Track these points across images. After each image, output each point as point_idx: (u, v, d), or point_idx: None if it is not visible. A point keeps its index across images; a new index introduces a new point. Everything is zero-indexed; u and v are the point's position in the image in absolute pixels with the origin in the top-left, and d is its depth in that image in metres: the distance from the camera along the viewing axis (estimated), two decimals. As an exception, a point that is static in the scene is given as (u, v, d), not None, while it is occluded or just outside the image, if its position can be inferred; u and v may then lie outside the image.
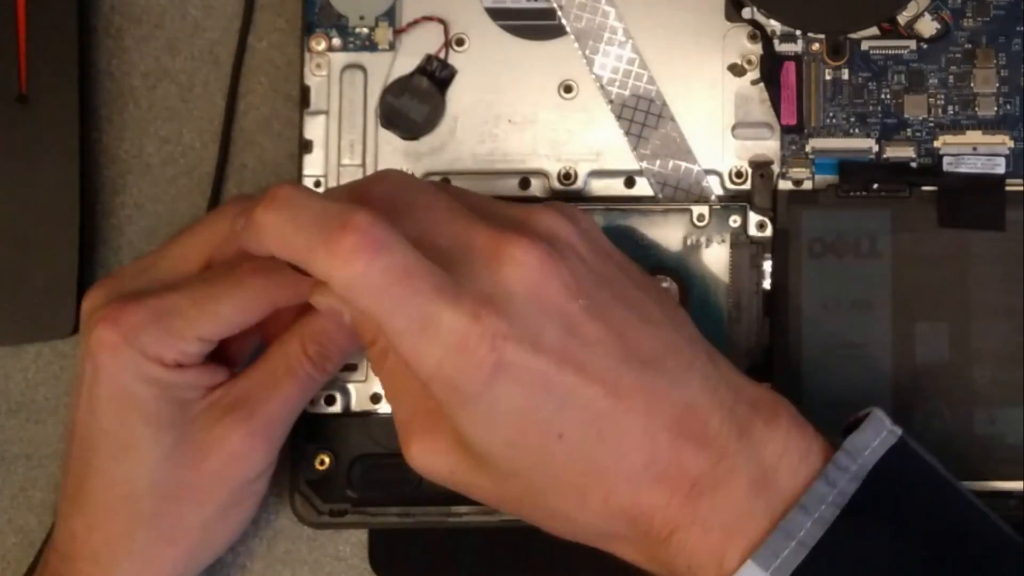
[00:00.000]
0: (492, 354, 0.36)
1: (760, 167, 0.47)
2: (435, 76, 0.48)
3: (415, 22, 0.48)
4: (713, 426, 0.38)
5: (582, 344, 0.37)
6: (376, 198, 0.39)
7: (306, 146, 0.48)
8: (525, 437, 0.37)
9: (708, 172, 0.48)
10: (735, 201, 0.47)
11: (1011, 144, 0.47)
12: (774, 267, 0.47)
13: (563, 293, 0.37)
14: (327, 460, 0.47)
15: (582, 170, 0.48)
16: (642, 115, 0.48)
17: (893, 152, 0.47)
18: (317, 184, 0.48)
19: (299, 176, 0.48)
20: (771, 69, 0.47)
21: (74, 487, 0.43)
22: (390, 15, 0.48)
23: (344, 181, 0.48)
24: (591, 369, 0.37)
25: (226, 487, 0.44)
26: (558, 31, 0.48)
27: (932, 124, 0.47)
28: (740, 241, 0.47)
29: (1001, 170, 0.47)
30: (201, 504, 0.44)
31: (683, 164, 0.48)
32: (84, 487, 0.43)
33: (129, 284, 0.44)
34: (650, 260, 0.47)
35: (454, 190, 0.43)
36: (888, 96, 0.48)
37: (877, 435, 0.39)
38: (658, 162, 0.48)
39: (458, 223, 0.39)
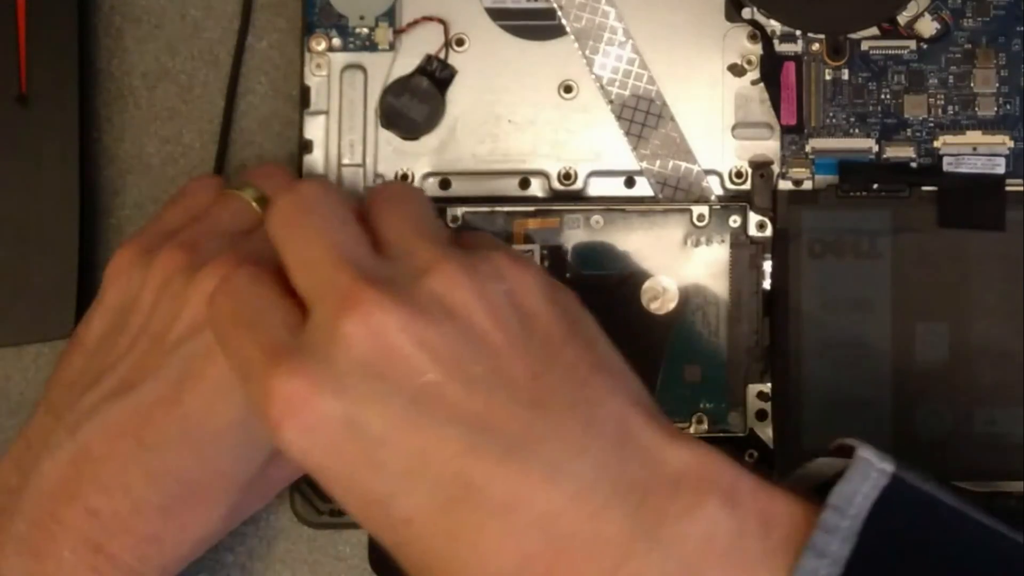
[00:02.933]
0: (300, 413, 0.33)
1: (760, 167, 0.47)
2: (435, 76, 0.48)
3: (415, 22, 0.48)
4: (606, 526, 0.32)
5: (426, 414, 0.32)
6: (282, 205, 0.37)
7: (306, 146, 0.48)
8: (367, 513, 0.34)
9: (708, 172, 0.48)
10: (735, 201, 0.47)
11: (1011, 144, 0.47)
12: (774, 267, 0.47)
13: (405, 362, 0.33)
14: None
15: (582, 170, 0.48)
16: (642, 115, 0.48)
17: (893, 152, 0.47)
18: (317, 184, 0.48)
19: (299, 176, 0.48)
20: (771, 69, 0.47)
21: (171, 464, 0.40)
22: (390, 15, 0.48)
23: (345, 181, 0.48)
24: (431, 454, 0.32)
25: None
26: (558, 31, 0.48)
27: (932, 124, 0.47)
28: (740, 241, 0.47)
29: (1001, 170, 0.47)
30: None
31: (683, 164, 0.48)
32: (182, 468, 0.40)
33: (207, 242, 0.42)
34: (650, 260, 0.47)
35: (389, 210, 0.38)
36: (888, 96, 0.48)
37: (865, 478, 0.33)
38: (658, 162, 0.48)
39: (334, 263, 0.34)
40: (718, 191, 0.47)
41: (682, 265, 0.47)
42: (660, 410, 0.35)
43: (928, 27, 0.48)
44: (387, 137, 0.48)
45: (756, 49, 0.48)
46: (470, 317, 0.34)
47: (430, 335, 0.33)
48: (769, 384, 0.46)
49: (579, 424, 0.33)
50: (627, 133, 0.48)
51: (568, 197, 0.48)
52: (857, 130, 0.47)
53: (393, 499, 0.33)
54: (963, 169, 0.47)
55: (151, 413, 0.39)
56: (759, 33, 0.48)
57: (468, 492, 0.32)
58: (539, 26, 0.48)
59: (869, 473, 0.33)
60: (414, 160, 0.48)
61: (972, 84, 0.47)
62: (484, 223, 0.47)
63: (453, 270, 0.34)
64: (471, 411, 0.32)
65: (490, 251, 0.36)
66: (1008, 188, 0.47)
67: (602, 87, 0.48)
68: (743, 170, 0.47)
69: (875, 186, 0.47)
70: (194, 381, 0.39)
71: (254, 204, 0.44)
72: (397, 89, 0.48)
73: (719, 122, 0.48)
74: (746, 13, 0.48)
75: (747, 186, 0.47)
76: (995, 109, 0.47)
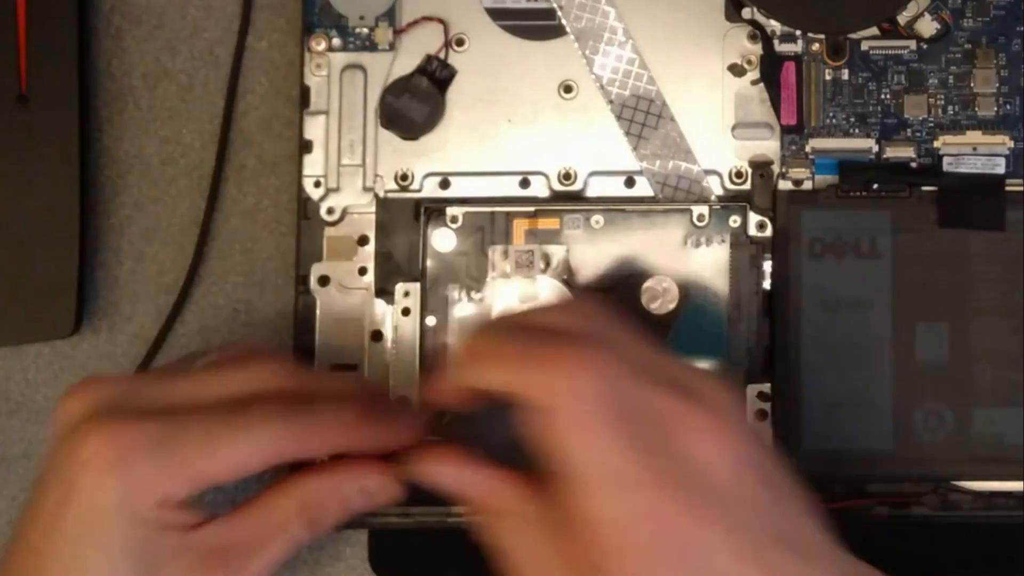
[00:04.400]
0: (681, 532, 0.34)
1: (760, 167, 0.47)
2: (435, 76, 0.48)
3: (415, 22, 0.48)
4: None
5: (771, 537, 0.35)
6: (593, 334, 0.36)
7: (306, 146, 0.48)
8: None
9: (708, 172, 0.48)
10: (735, 201, 0.47)
11: (1011, 144, 0.47)
12: (774, 267, 0.47)
13: (759, 478, 0.35)
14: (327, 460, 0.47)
15: (582, 170, 0.48)
16: (642, 115, 0.48)
17: (893, 152, 0.47)
18: (317, 184, 0.48)
19: (299, 176, 0.48)
20: (771, 69, 0.47)
21: None
22: (390, 15, 0.48)
23: (344, 181, 0.48)
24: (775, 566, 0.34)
25: None
26: (558, 31, 0.48)
27: (932, 124, 0.47)
28: (740, 241, 0.47)
29: (1001, 170, 0.47)
30: None
31: (683, 164, 0.48)
32: None
33: (127, 397, 0.40)
34: (650, 260, 0.47)
35: (622, 336, 0.38)
36: (888, 96, 0.48)
37: None
38: (658, 162, 0.48)
39: (656, 384, 0.35)
40: (718, 191, 0.47)
41: (682, 265, 0.47)
42: None
43: (928, 27, 0.48)
44: (387, 137, 0.48)
45: (756, 49, 0.48)
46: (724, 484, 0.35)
47: (757, 451, 0.36)
48: (769, 384, 0.46)
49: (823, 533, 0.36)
50: (627, 133, 0.48)
51: (568, 197, 0.48)
52: (857, 130, 0.47)
53: None
54: (963, 169, 0.47)
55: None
56: (759, 33, 0.48)
57: None
58: (539, 26, 0.48)
59: None
60: (414, 160, 0.48)
61: (972, 84, 0.47)
62: (484, 223, 0.47)
63: (716, 385, 0.36)
64: (787, 522, 0.35)
65: (705, 376, 0.38)
66: (1008, 188, 0.47)
67: (602, 87, 0.48)
68: (743, 170, 0.47)
69: (875, 186, 0.47)
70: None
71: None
72: (397, 89, 0.48)
73: (719, 122, 0.48)
74: (746, 13, 0.48)
75: (747, 186, 0.47)
76: (995, 109, 0.47)
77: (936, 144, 0.47)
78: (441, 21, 0.48)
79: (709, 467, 0.34)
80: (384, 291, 0.47)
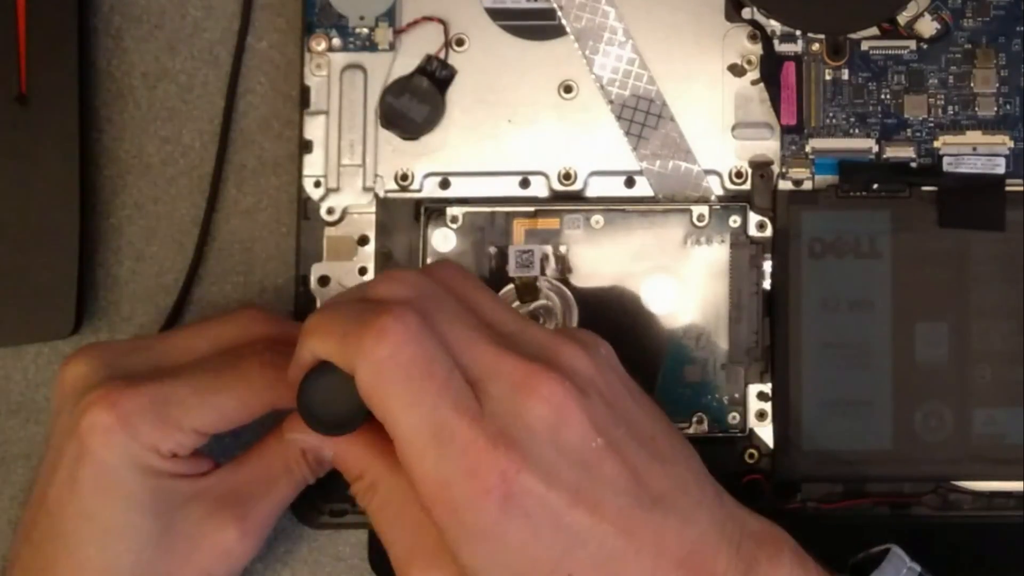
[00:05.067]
0: (503, 485, 0.35)
1: (760, 167, 0.47)
2: (435, 76, 0.48)
3: (415, 22, 0.48)
4: (720, 564, 0.37)
5: (596, 482, 0.36)
6: (408, 300, 0.38)
7: (306, 146, 0.48)
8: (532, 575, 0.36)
9: (708, 172, 0.48)
10: (735, 201, 0.47)
11: (1011, 144, 0.47)
12: (774, 267, 0.47)
13: (582, 433, 0.36)
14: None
15: (582, 170, 0.48)
16: (642, 115, 0.48)
17: (893, 152, 0.47)
18: (317, 184, 0.48)
19: (299, 176, 0.48)
20: (771, 69, 0.47)
21: (41, 564, 0.41)
22: (390, 15, 0.48)
23: (344, 181, 0.48)
24: (605, 508, 0.36)
25: None
26: (558, 31, 0.48)
27: (932, 124, 0.47)
28: (740, 241, 0.47)
29: (1001, 170, 0.47)
30: None
31: (683, 164, 0.48)
32: (55, 567, 0.41)
33: (123, 361, 0.42)
34: (650, 260, 0.47)
35: (478, 297, 0.40)
36: (888, 96, 0.48)
37: (898, 571, 0.39)
38: (658, 162, 0.48)
39: (486, 344, 0.37)
40: (718, 191, 0.47)
41: (682, 265, 0.47)
42: None
43: (928, 27, 0.48)
44: (387, 137, 0.48)
45: (756, 49, 0.48)
46: (599, 387, 0.38)
47: (585, 408, 0.37)
48: (769, 384, 0.46)
49: (694, 479, 0.39)
50: (627, 133, 0.48)
51: (568, 197, 0.48)
52: (857, 130, 0.47)
53: (565, 554, 0.36)
54: (963, 169, 0.47)
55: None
56: (759, 33, 0.48)
57: (629, 542, 0.36)
58: (539, 26, 0.48)
59: (901, 568, 0.39)
60: (414, 160, 0.48)
61: (972, 84, 0.47)
62: (484, 223, 0.47)
63: (575, 347, 0.38)
64: (626, 470, 0.37)
65: (570, 335, 0.39)
66: (1008, 188, 0.47)
67: (602, 87, 0.48)
68: (743, 170, 0.47)
69: (875, 186, 0.47)
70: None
71: None
72: (397, 89, 0.48)
73: (719, 122, 0.48)
74: (746, 13, 0.48)
75: (747, 186, 0.47)
76: (995, 109, 0.47)
77: (936, 144, 0.47)
78: (441, 21, 0.48)
79: (539, 422, 0.36)
80: (384, 291, 0.47)
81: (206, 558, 0.42)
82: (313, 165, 0.48)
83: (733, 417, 0.47)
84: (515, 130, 0.48)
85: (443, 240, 0.47)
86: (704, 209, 0.47)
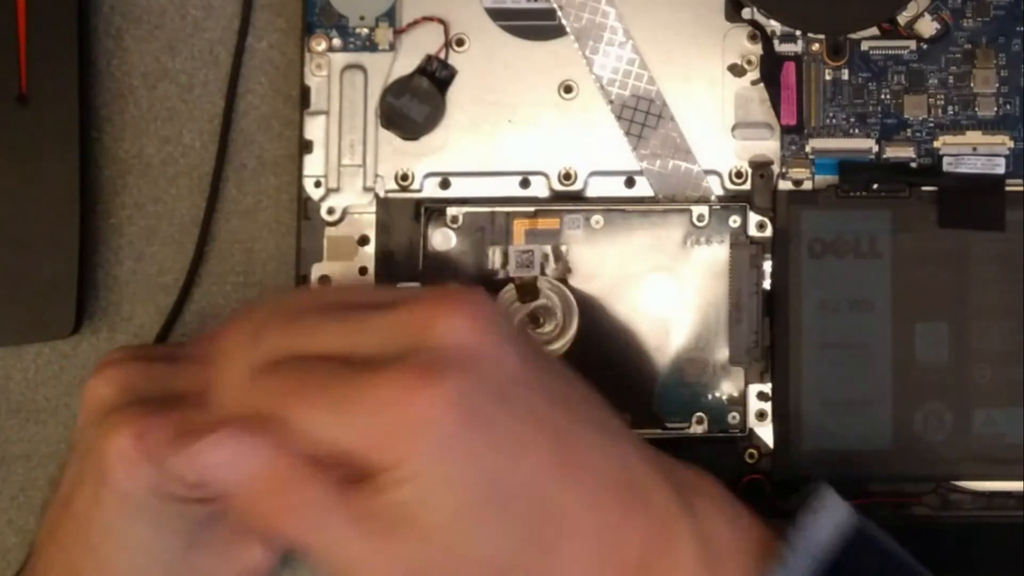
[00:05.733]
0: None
1: (760, 167, 0.47)
2: (435, 76, 0.48)
3: (415, 22, 0.48)
4: (657, 497, 0.37)
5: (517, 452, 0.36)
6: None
7: (306, 146, 0.48)
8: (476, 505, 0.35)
9: (708, 172, 0.48)
10: (735, 201, 0.47)
11: (1011, 144, 0.47)
12: (774, 267, 0.47)
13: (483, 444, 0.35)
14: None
15: (582, 170, 0.48)
16: (642, 115, 0.48)
17: (893, 152, 0.47)
18: (317, 184, 0.48)
19: (299, 176, 0.48)
20: (771, 69, 0.47)
21: (68, 566, 0.41)
22: (390, 15, 0.48)
23: (344, 181, 0.48)
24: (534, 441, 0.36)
25: None
26: (558, 31, 0.48)
27: (932, 124, 0.47)
28: (740, 241, 0.47)
29: (1001, 170, 0.47)
30: None
31: (683, 164, 0.48)
32: (83, 572, 0.41)
33: (148, 385, 0.42)
34: (650, 260, 0.47)
35: (304, 337, 0.38)
36: (888, 96, 0.48)
37: (831, 521, 0.38)
38: (658, 162, 0.48)
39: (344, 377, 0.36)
40: (718, 191, 0.47)
41: (682, 265, 0.47)
42: None
43: (928, 27, 0.48)
44: (387, 137, 0.48)
45: (756, 49, 0.48)
46: (485, 367, 0.36)
47: (481, 416, 0.35)
48: (769, 384, 0.46)
49: (619, 428, 0.38)
50: (627, 133, 0.48)
51: (568, 197, 0.48)
52: (857, 130, 0.47)
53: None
54: (963, 169, 0.47)
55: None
56: (759, 33, 0.48)
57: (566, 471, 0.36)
58: (539, 26, 0.48)
59: (837, 516, 0.39)
60: (414, 160, 0.48)
61: (972, 84, 0.47)
62: (484, 223, 0.47)
63: (440, 325, 0.36)
64: (549, 438, 0.36)
65: (442, 299, 0.37)
66: (1008, 188, 0.47)
67: (602, 87, 0.48)
68: (743, 170, 0.47)
69: (875, 186, 0.47)
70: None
71: None
72: (397, 89, 0.48)
73: (719, 122, 0.48)
74: (746, 13, 0.48)
75: (747, 186, 0.47)
76: (995, 109, 0.47)
77: (936, 144, 0.47)
78: (441, 21, 0.48)
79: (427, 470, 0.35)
80: (384, 291, 0.47)
81: (233, 574, 0.42)
82: (313, 165, 0.48)
83: (733, 417, 0.47)
84: (515, 130, 0.48)
85: (443, 240, 0.47)
86: (704, 209, 0.47)
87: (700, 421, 0.47)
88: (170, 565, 0.41)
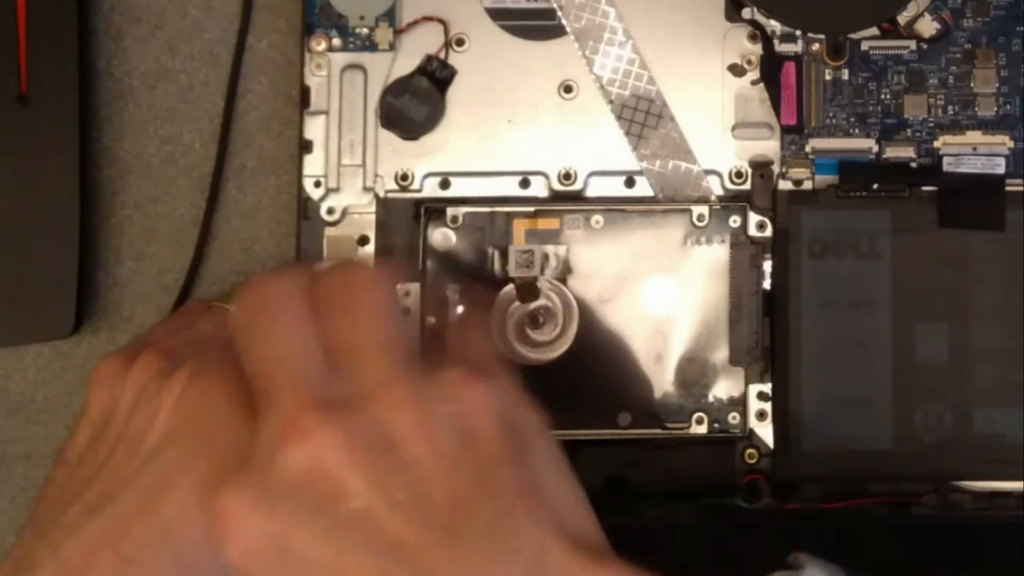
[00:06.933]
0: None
1: (760, 167, 0.47)
2: (435, 76, 0.48)
3: (415, 22, 0.48)
4: None
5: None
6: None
7: (306, 146, 0.48)
8: None
9: (708, 172, 0.48)
10: (735, 201, 0.47)
11: (1011, 144, 0.47)
12: (774, 267, 0.47)
13: (341, 489, 0.34)
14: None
15: (582, 170, 0.48)
16: (642, 115, 0.48)
17: (893, 152, 0.47)
18: (317, 184, 0.48)
19: (299, 176, 0.48)
20: (771, 69, 0.47)
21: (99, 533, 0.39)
22: (390, 15, 0.48)
23: (344, 181, 0.48)
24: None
25: None
26: (558, 31, 0.48)
27: (932, 124, 0.47)
28: (740, 241, 0.47)
29: (1001, 170, 0.47)
30: None
31: (683, 164, 0.48)
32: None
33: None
34: (650, 260, 0.47)
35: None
36: (888, 96, 0.48)
37: None
38: (658, 162, 0.48)
39: (277, 376, 0.36)
40: (718, 191, 0.47)
41: (682, 265, 0.47)
42: (600, 536, 0.37)
43: (928, 27, 0.48)
44: (387, 137, 0.48)
45: (756, 49, 0.48)
46: (405, 444, 0.35)
47: (361, 461, 0.34)
48: (769, 384, 0.46)
49: (492, 554, 0.34)
50: (627, 133, 0.48)
51: (568, 197, 0.48)
52: (857, 130, 0.47)
53: None
54: (963, 169, 0.47)
55: (128, 524, 0.38)
56: (759, 33, 0.48)
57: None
58: (539, 26, 0.48)
59: None
60: (414, 160, 0.48)
61: (972, 84, 0.47)
62: (484, 223, 0.47)
63: (398, 396, 0.35)
64: (390, 538, 0.34)
65: (450, 368, 0.36)
66: (1008, 188, 0.47)
67: (602, 87, 0.48)
68: (743, 170, 0.47)
69: (875, 186, 0.47)
70: (170, 490, 0.38)
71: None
72: (397, 89, 0.48)
73: (719, 122, 0.48)
74: (746, 13, 0.48)
75: (747, 186, 0.47)
76: (995, 109, 0.47)
77: (936, 144, 0.47)
78: (441, 21, 0.48)
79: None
80: (384, 291, 0.47)
81: None
82: (313, 165, 0.48)
83: (733, 417, 0.47)
84: (515, 130, 0.48)
85: (443, 240, 0.47)
86: (704, 209, 0.47)
87: (700, 421, 0.47)
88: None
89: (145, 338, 0.45)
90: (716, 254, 0.47)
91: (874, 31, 0.48)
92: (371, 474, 0.34)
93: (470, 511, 0.35)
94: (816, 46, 0.48)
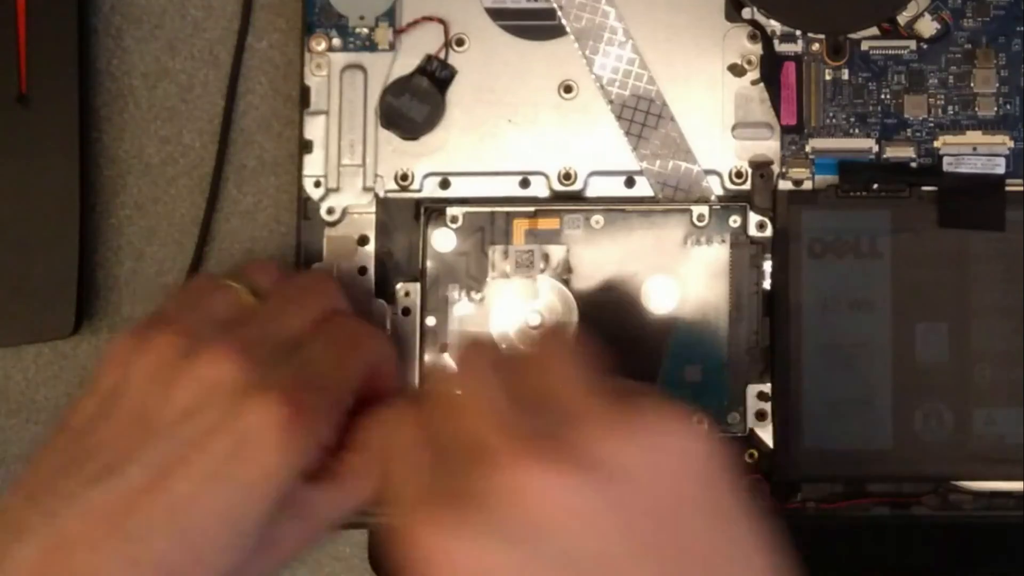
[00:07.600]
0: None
1: (760, 167, 0.47)
2: (435, 76, 0.48)
3: (415, 22, 0.48)
4: None
5: None
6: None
7: (306, 146, 0.48)
8: None
9: (708, 172, 0.48)
10: (735, 201, 0.47)
11: (1011, 144, 0.47)
12: (774, 267, 0.47)
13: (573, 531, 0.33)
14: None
15: (582, 170, 0.48)
16: (642, 115, 0.48)
17: (893, 152, 0.47)
18: (317, 184, 0.48)
19: (299, 176, 0.48)
20: (771, 69, 0.47)
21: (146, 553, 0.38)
22: (390, 15, 0.48)
23: (344, 181, 0.48)
24: None
25: None
26: (558, 31, 0.48)
27: (932, 124, 0.47)
28: (740, 241, 0.47)
29: (1001, 170, 0.47)
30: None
31: (683, 164, 0.48)
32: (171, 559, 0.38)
33: (268, 355, 0.40)
34: (650, 260, 0.47)
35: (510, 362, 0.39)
36: (888, 96, 0.48)
37: None
38: (658, 162, 0.48)
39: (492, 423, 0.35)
40: (718, 191, 0.47)
41: (682, 265, 0.47)
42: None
43: (928, 27, 0.48)
44: (387, 137, 0.48)
45: (756, 49, 0.48)
46: (632, 487, 0.34)
47: (590, 505, 0.33)
48: (769, 384, 0.46)
49: None
50: (627, 133, 0.48)
51: (568, 197, 0.48)
52: (857, 130, 0.47)
53: None
54: (963, 169, 0.47)
55: (135, 500, 0.37)
56: (759, 33, 0.48)
57: None
58: (539, 26, 0.48)
59: None
60: (414, 160, 0.48)
61: (972, 84, 0.47)
62: (484, 223, 0.47)
63: (620, 438, 0.35)
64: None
65: (654, 412, 0.36)
66: (1008, 188, 0.47)
67: (602, 87, 0.48)
68: (743, 170, 0.47)
69: (875, 186, 0.47)
70: (182, 467, 0.38)
71: (247, 295, 0.43)
72: (397, 89, 0.48)
73: (719, 122, 0.48)
74: (746, 13, 0.48)
75: (747, 186, 0.47)
76: (995, 109, 0.47)
77: (936, 144, 0.47)
78: (441, 21, 0.48)
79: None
80: (384, 291, 0.47)
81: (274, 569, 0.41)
82: (313, 165, 0.48)
83: (733, 417, 0.47)
84: (515, 130, 0.48)
85: (443, 240, 0.47)
86: (704, 209, 0.47)
87: (700, 421, 0.46)
88: (239, 545, 0.38)
89: (158, 315, 0.43)
90: (716, 254, 0.47)
91: (874, 31, 0.48)
92: (604, 520, 0.34)
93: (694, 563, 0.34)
94: (816, 46, 0.48)
